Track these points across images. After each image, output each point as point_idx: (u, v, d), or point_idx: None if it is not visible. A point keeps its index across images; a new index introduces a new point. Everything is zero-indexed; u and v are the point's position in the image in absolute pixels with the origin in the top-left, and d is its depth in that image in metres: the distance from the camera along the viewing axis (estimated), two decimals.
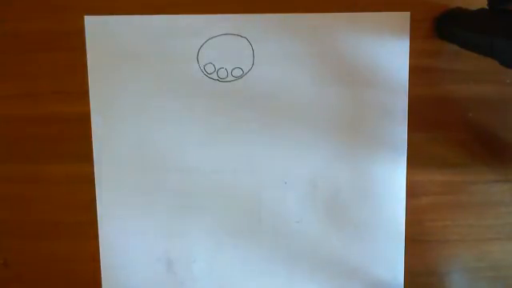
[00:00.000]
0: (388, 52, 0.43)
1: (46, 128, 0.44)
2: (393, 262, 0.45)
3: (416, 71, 0.43)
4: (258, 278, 0.46)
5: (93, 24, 0.42)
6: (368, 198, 0.45)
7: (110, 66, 0.43)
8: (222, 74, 0.43)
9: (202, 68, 0.43)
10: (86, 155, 0.44)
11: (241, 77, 0.43)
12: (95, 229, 0.45)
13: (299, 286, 0.46)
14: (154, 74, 0.43)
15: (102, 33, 0.42)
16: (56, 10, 0.42)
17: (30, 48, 0.43)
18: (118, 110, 0.43)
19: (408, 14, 0.42)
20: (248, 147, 0.44)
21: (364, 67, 0.43)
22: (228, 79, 0.43)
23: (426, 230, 0.45)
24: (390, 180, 0.44)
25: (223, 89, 0.43)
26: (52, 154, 0.44)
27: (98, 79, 0.43)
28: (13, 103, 0.43)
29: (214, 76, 0.43)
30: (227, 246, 0.45)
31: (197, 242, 0.45)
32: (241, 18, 0.42)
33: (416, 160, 0.44)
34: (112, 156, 0.44)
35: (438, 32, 0.42)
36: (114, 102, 0.43)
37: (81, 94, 0.43)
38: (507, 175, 0.45)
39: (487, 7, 0.36)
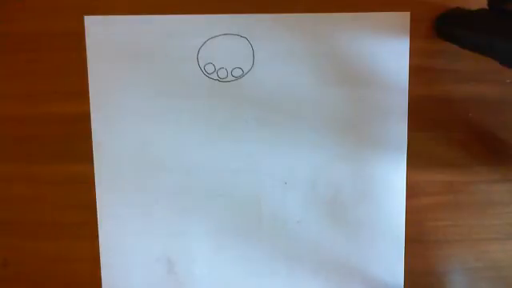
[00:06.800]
0: (388, 52, 0.43)
1: (46, 128, 0.44)
2: (393, 261, 0.45)
3: (416, 71, 0.43)
4: (258, 278, 0.46)
5: (93, 24, 0.42)
6: (368, 198, 0.45)
7: (110, 65, 0.43)
8: (222, 74, 0.43)
9: (202, 68, 0.43)
10: (86, 155, 0.44)
11: (241, 77, 0.43)
12: (95, 229, 0.45)
13: (299, 286, 0.46)
14: (153, 73, 0.43)
15: (102, 33, 0.42)
16: (56, 10, 0.42)
17: (29, 48, 0.43)
18: (118, 110, 0.43)
19: (408, 14, 0.42)
20: (248, 147, 0.44)
21: (364, 67, 0.43)
22: (228, 79, 0.43)
23: (425, 229, 0.45)
24: (390, 180, 0.44)
25: (223, 89, 0.43)
26: (52, 154, 0.44)
27: (98, 79, 0.43)
28: (13, 103, 0.43)
29: (214, 76, 0.43)
30: (227, 245, 0.45)
31: (197, 242, 0.45)
32: (241, 18, 0.42)
33: (416, 160, 0.44)
34: (112, 156, 0.44)
35: (438, 32, 0.42)
36: (114, 102, 0.43)
37: (81, 94, 0.43)
38: (507, 175, 0.45)
39: (487, 7, 0.36)
